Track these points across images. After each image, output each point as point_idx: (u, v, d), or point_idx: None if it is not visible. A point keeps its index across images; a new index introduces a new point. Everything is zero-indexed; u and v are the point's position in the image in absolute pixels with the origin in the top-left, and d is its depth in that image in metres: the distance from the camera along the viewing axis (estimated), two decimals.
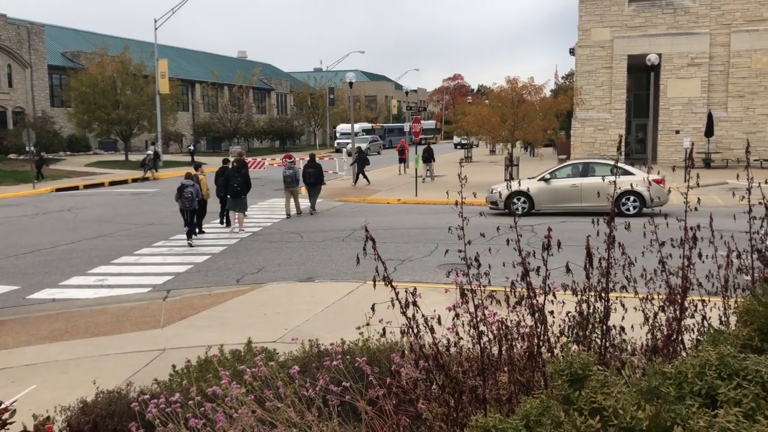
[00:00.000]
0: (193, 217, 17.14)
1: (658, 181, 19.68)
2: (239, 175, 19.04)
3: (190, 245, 16.62)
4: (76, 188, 33.53)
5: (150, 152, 41.00)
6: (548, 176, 20.95)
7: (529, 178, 22.19)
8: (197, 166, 20.11)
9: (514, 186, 21.10)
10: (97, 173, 40.48)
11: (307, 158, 23.91)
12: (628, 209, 19.65)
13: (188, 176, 17.72)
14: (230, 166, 19.70)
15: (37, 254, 15.88)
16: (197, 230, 17.83)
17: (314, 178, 22.67)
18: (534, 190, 20.31)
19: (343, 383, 4.35)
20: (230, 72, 70.81)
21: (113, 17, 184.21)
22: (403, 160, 38.80)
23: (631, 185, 19.55)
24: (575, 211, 20.09)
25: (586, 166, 21.22)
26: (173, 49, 69.11)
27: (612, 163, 22.34)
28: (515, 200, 20.76)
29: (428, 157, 35.21)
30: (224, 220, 19.71)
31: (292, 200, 21.85)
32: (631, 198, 19.77)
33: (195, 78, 68.69)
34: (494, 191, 21.20)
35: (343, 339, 6.07)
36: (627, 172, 20.35)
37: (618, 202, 19.80)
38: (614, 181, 4.38)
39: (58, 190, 32.57)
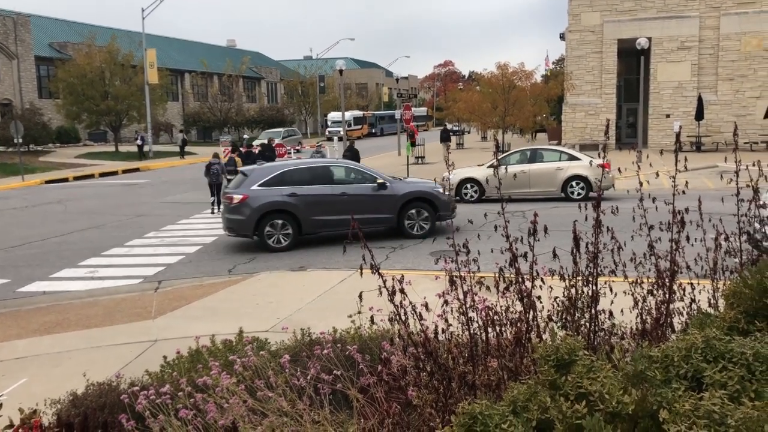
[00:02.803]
0: (218, 190, 19.90)
1: (603, 166, 19.83)
2: (263, 157, 22.14)
3: (213, 212, 19.97)
4: (65, 180, 33.32)
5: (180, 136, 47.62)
6: (497, 163, 20.85)
7: (479, 165, 22.39)
8: (235, 148, 24.20)
9: (465, 173, 21.24)
10: (87, 164, 40.23)
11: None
12: (574, 193, 19.98)
13: (215, 156, 21.45)
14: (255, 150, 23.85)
15: (28, 247, 15.80)
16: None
17: (351, 159, 25.08)
18: (483, 177, 20.22)
19: (335, 371, 4.35)
20: (219, 61, 70.26)
21: (100, 7, 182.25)
22: (413, 143, 39.81)
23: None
24: (524, 197, 20.16)
25: (534, 153, 21.43)
26: (162, 39, 68.50)
27: (559, 149, 22.84)
28: (467, 187, 20.86)
29: (446, 138, 39.82)
30: None
31: None
32: (579, 183, 20.06)
33: (184, 67, 68.17)
34: (445, 179, 21.30)
35: (335, 327, 6.07)
36: (573, 158, 20.66)
37: (565, 187, 20.09)
38: (603, 164, 4.35)
39: (47, 182, 32.36)
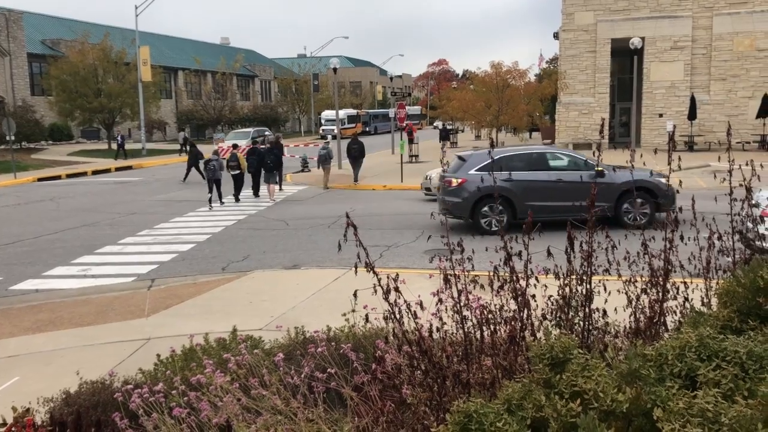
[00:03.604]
0: (217, 185, 21.14)
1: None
2: (272, 154, 22.88)
3: (211, 208, 20.72)
4: (58, 177, 33.17)
5: (183, 134, 48.54)
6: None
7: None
8: (235, 146, 24.98)
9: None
10: (79, 162, 40.05)
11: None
12: None
13: (215, 153, 22.61)
14: (261, 147, 24.82)
15: (20, 244, 15.72)
16: (235, 198, 22.35)
17: (358, 152, 27.02)
18: None
19: (329, 370, 4.35)
20: (213, 59, 70.09)
21: (93, 4, 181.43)
22: (411, 140, 40.39)
23: None
24: None
25: None
26: (155, 36, 68.24)
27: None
28: None
29: (445, 135, 43.01)
30: (256, 193, 23.51)
31: (326, 175, 26.23)
32: None
33: (177, 65, 67.94)
34: (428, 177, 21.42)
35: (329, 326, 6.07)
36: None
37: None
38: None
39: (40, 179, 32.20)
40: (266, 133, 46.44)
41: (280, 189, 24.92)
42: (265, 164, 22.68)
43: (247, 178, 23.23)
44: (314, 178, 29.28)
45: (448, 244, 3.94)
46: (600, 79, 38.33)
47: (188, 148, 31.00)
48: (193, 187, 27.22)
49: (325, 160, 26.04)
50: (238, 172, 22.42)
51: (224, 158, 23.57)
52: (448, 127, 49.72)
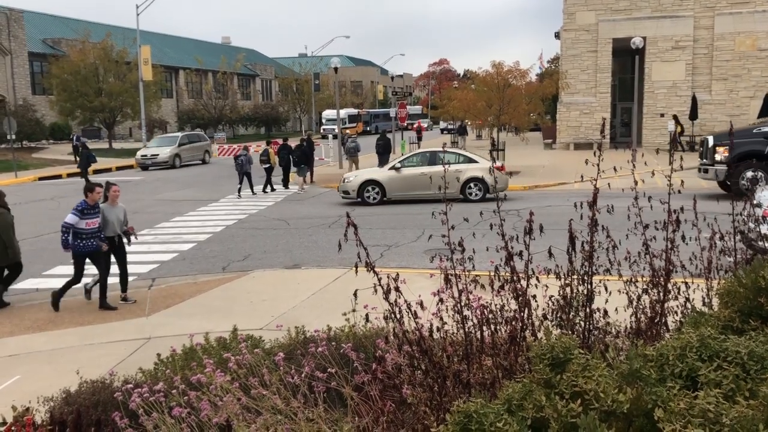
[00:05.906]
0: (243, 178, 23.60)
1: (499, 169, 20.45)
2: (300, 150, 25.36)
3: (239, 197, 23.26)
4: (59, 177, 33.17)
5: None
6: (398, 165, 21.34)
7: (379, 167, 23.49)
8: (268, 142, 27.54)
9: (366, 175, 21.69)
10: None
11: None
12: (472, 194, 20.37)
13: (245, 148, 25.30)
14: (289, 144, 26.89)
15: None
16: (270, 188, 25.07)
17: (382, 148, 28.96)
18: (385, 179, 20.74)
19: (329, 369, 4.34)
20: (214, 58, 70.11)
21: (94, 3, 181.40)
22: (420, 138, 40.79)
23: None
24: (424, 198, 20.11)
25: (433, 155, 21.51)
26: (156, 36, 68.26)
27: (458, 152, 23.45)
28: (368, 189, 21.00)
29: (462, 132, 46.58)
30: (285, 184, 26.01)
31: (353, 165, 28.28)
32: (476, 185, 20.43)
33: (178, 64, 67.95)
34: (347, 180, 21.57)
35: (330, 325, 6.06)
36: (471, 160, 21.03)
37: (464, 188, 20.40)
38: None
39: (41, 178, 32.21)
40: (199, 132, 46.28)
41: (312, 181, 27.10)
42: (292, 159, 25.39)
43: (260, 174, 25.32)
44: (315, 177, 29.29)
45: (449, 244, 3.93)
46: (601, 78, 38.31)
47: (80, 149, 30.81)
48: (194, 187, 27.24)
49: (353, 152, 28.39)
50: (268, 165, 25.14)
51: (256, 152, 26.98)
52: (450, 126, 50.21)
